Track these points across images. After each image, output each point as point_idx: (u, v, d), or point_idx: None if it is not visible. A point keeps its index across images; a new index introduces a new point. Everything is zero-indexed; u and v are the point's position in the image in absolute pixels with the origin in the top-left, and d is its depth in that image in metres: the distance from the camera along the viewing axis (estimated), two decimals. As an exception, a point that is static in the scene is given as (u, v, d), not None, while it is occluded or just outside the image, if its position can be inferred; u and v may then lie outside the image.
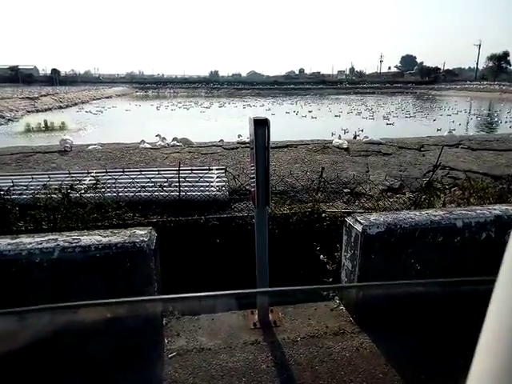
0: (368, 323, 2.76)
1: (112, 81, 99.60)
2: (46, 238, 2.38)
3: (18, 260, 2.22)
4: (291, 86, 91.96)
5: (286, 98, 59.15)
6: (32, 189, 4.15)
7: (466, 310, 2.28)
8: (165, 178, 4.72)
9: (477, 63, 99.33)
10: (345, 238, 2.94)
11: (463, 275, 2.83)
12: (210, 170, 5.28)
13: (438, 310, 2.50)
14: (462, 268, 2.84)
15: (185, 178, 4.55)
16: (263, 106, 42.82)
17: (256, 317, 2.83)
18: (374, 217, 2.78)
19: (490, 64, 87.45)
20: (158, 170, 5.10)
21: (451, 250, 2.80)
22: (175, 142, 8.14)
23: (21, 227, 3.49)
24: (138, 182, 4.64)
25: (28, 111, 33.40)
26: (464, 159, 6.77)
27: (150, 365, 2.36)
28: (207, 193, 4.56)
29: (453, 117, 29.73)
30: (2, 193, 3.69)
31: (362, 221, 2.71)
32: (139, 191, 4.48)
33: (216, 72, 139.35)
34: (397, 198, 4.92)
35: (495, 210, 2.93)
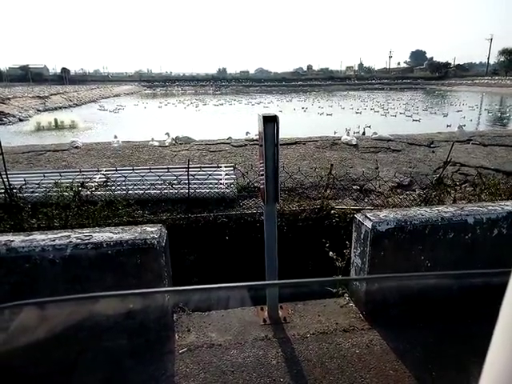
0: (378, 320, 2.75)
1: (120, 79, 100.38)
2: (59, 234, 2.42)
3: (31, 256, 2.26)
4: (299, 83, 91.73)
5: (295, 94, 58.97)
6: (44, 187, 4.20)
7: (478, 304, 2.26)
8: (174, 175, 4.75)
9: (488, 58, 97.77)
10: (354, 234, 2.93)
11: (474, 272, 2.81)
12: (218, 167, 5.30)
13: (450, 305, 2.48)
14: (473, 265, 2.82)
15: (194, 175, 4.57)
16: (272, 102, 42.72)
17: (266, 313, 2.85)
18: (383, 213, 2.77)
19: (502, 58, 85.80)
20: (168, 168, 5.14)
21: (462, 247, 2.77)
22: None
23: (33, 225, 3.54)
24: (147, 180, 4.68)
25: (38, 110, 33.78)
26: (475, 155, 6.70)
27: (162, 360, 2.39)
28: (216, 190, 4.58)
29: (464, 112, 29.30)
30: (14, 191, 3.74)
31: (371, 217, 2.69)
32: (149, 189, 4.51)
33: (224, 69, 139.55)
34: (407, 194, 4.88)
35: (507, 206, 2.90)
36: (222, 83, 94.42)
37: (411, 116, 26.85)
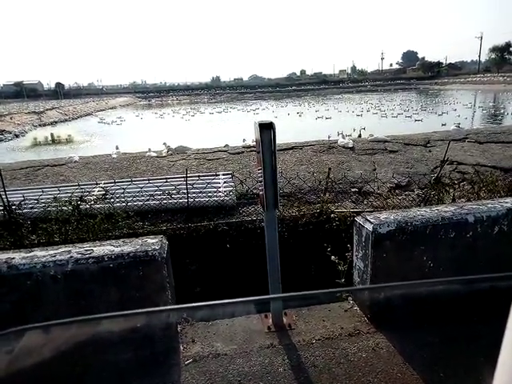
0: (383, 323, 2.74)
1: (115, 91, 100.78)
2: (60, 250, 2.41)
3: (32, 273, 2.25)
4: (293, 88, 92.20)
5: (289, 99, 59.21)
6: (43, 202, 4.19)
7: (484, 305, 2.25)
8: (172, 185, 4.75)
9: (479, 56, 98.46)
10: (355, 237, 2.93)
11: (476, 270, 2.80)
12: (216, 175, 5.30)
13: (455, 307, 2.47)
14: (475, 263, 2.82)
15: (192, 184, 4.57)
16: (267, 108, 42.92)
17: (270, 320, 2.83)
18: (384, 215, 2.77)
19: (493, 56, 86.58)
20: (166, 178, 5.13)
21: (464, 246, 2.77)
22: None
23: (33, 241, 3.53)
24: (146, 191, 4.67)
25: (34, 125, 33.82)
26: (471, 153, 6.71)
27: (168, 372, 2.37)
28: (215, 198, 4.57)
29: (459, 111, 29.46)
30: (13, 207, 3.73)
31: (372, 220, 2.69)
32: (148, 200, 4.50)
33: (218, 78, 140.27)
34: (405, 195, 4.89)
35: (507, 202, 2.90)
36: (217, 91, 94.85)
37: (410, 116, 27.02)
